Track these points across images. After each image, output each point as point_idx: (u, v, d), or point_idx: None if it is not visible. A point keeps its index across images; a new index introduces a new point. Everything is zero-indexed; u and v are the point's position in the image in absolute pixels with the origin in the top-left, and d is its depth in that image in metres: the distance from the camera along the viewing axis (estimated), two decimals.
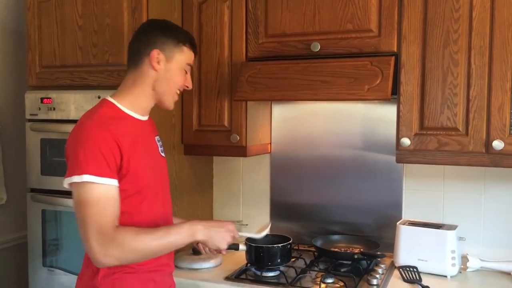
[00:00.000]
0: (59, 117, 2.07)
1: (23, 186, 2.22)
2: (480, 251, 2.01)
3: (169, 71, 1.49)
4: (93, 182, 1.30)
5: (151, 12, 1.94)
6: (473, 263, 1.94)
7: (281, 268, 1.92)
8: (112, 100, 1.48)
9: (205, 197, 2.41)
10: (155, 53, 1.46)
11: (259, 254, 1.89)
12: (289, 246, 1.93)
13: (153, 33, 1.50)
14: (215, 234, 1.48)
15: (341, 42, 1.86)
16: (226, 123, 2.07)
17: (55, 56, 2.09)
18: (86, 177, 1.30)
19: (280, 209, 2.32)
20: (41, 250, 2.17)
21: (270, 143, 2.34)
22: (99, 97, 1.97)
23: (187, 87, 1.57)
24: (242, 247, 1.73)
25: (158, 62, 1.47)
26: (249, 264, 1.96)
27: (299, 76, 1.86)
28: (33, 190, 2.16)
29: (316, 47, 1.89)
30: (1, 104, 2.36)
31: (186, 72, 1.55)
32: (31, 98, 2.13)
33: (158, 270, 1.51)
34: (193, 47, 1.56)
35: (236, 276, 1.88)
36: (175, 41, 1.50)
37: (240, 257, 2.12)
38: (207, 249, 1.63)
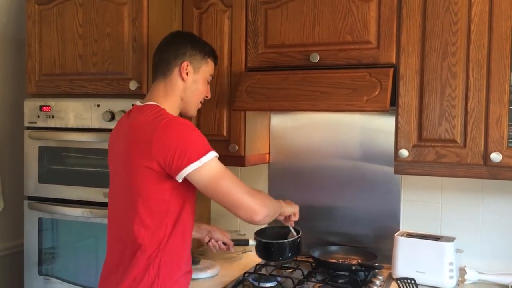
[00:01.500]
0: (57, 125, 2.08)
1: (20, 194, 2.21)
2: (478, 264, 2.00)
3: (195, 82, 1.60)
4: (217, 156, 1.45)
5: (152, 22, 1.96)
6: (471, 276, 1.93)
7: (279, 278, 1.91)
8: (161, 106, 1.53)
9: (203, 207, 2.40)
10: (185, 65, 1.57)
11: (270, 249, 1.89)
12: (299, 240, 1.92)
13: (183, 45, 1.59)
14: (289, 210, 1.80)
15: (340, 54, 1.87)
16: (225, 133, 2.07)
17: (55, 64, 2.10)
18: (212, 153, 1.43)
19: (276, 220, 2.31)
20: (37, 259, 2.16)
21: (269, 153, 2.34)
22: (98, 106, 1.98)
23: (207, 97, 1.69)
24: (252, 242, 1.89)
25: (187, 73, 1.57)
26: (258, 265, 1.99)
27: (298, 87, 1.87)
28: (30, 198, 2.16)
29: (315, 58, 1.89)
30: (0, 111, 2.36)
31: (208, 83, 1.67)
32: (30, 106, 2.13)
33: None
34: (216, 59, 1.70)
35: (233, 287, 1.87)
36: (202, 53, 1.61)
37: (237, 267, 2.12)
38: (217, 246, 1.86)
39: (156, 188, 1.45)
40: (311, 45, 1.91)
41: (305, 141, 2.28)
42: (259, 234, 1.96)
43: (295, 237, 1.90)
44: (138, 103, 1.58)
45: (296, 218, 1.87)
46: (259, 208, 1.46)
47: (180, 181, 1.43)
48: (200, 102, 1.67)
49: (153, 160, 1.41)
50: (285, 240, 1.88)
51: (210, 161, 1.42)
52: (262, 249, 1.92)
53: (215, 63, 1.69)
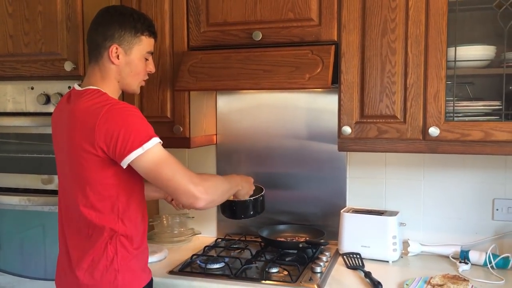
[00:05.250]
0: None
1: None
2: (420, 236, 2.07)
3: (129, 64, 1.53)
4: (160, 142, 1.42)
5: (86, 0, 1.87)
6: (414, 248, 1.99)
7: (226, 259, 1.90)
8: (102, 90, 1.48)
9: None
10: (114, 48, 1.49)
11: (233, 208, 1.89)
12: (261, 198, 1.93)
13: (111, 25, 1.50)
14: (246, 185, 1.78)
15: (283, 31, 1.85)
16: (168, 114, 2.02)
17: None
18: (155, 139, 1.41)
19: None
20: None
21: (216, 134, 2.31)
22: (32, 88, 1.89)
23: (150, 71, 1.62)
24: None
25: (118, 57, 1.50)
26: (206, 247, 1.95)
27: (240, 65, 1.84)
28: None
29: (258, 36, 1.87)
30: None
31: (147, 59, 1.58)
32: None
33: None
34: (152, 33, 1.59)
35: (180, 270, 1.85)
36: (132, 32, 1.52)
37: (185, 251, 2.10)
38: (180, 204, 1.85)
39: (102, 173, 1.43)
40: (253, 23, 1.88)
41: (252, 122, 2.26)
42: None
43: (257, 196, 1.90)
44: (76, 86, 1.53)
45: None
46: (200, 195, 1.43)
47: (124, 167, 1.41)
48: (143, 80, 1.62)
49: (96, 146, 1.39)
50: (248, 199, 1.88)
51: (153, 147, 1.39)
52: (225, 209, 1.92)
53: (154, 38, 1.60)
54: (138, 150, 1.37)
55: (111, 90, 1.52)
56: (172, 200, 1.90)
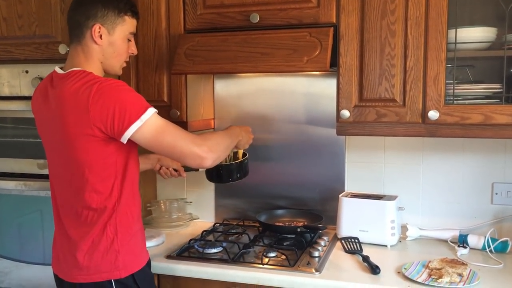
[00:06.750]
0: None
1: None
2: (419, 220, 2.06)
3: (112, 44, 1.51)
4: (156, 112, 1.42)
5: None
6: (412, 232, 1.99)
7: (224, 244, 1.89)
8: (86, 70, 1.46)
9: (148, 175, 2.34)
10: (97, 28, 1.46)
11: (219, 171, 1.90)
12: (246, 161, 1.94)
13: (94, 5, 1.47)
14: (245, 135, 1.78)
15: (280, 13, 1.82)
16: (165, 98, 2.00)
17: None
18: (151, 109, 1.41)
19: (224, 185, 2.28)
20: None
21: (214, 119, 2.29)
22: (26, 72, 1.86)
23: (132, 53, 1.60)
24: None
25: (100, 37, 1.47)
26: (204, 232, 1.93)
27: (238, 48, 1.81)
28: None
29: (255, 18, 1.84)
30: None
31: (130, 40, 1.56)
32: None
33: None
34: (135, 14, 1.56)
35: (178, 254, 1.84)
36: (115, 11, 1.49)
37: (183, 235, 2.09)
38: (168, 173, 1.92)
39: (101, 153, 1.43)
40: (250, 5, 1.85)
41: (250, 106, 2.24)
42: None
43: (242, 159, 1.92)
44: (57, 69, 1.50)
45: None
46: (205, 154, 1.46)
47: (125, 142, 1.42)
48: (125, 61, 1.59)
49: (93, 126, 1.37)
50: (233, 162, 1.90)
51: (151, 117, 1.40)
52: (212, 173, 1.93)
53: (136, 19, 1.57)
54: (137, 122, 1.37)
55: (95, 70, 1.49)
56: (160, 169, 1.93)
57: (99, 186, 1.45)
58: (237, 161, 1.90)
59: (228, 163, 1.89)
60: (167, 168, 1.94)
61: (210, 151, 1.47)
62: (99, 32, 1.47)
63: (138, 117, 1.37)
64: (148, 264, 1.60)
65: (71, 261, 1.49)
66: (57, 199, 1.55)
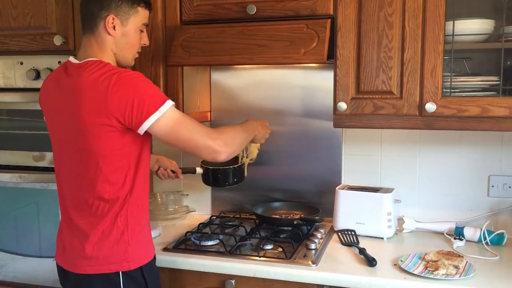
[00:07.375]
0: None
1: None
2: (415, 213, 2.06)
3: (125, 35, 1.51)
4: (173, 104, 1.43)
5: None
6: (409, 225, 1.99)
7: (221, 236, 1.89)
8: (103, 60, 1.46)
9: None
10: (110, 19, 1.47)
11: (216, 175, 1.93)
12: (242, 166, 1.98)
13: None
14: (262, 130, 1.79)
15: (278, 5, 1.81)
16: (161, 90, 1.98)
17: None
18: (169, 102, 1.41)
19: None
20: None
21: (210, 111, 2.28)
22: (21, 63, 1.85)
23: (145, 44, 1.61)
24: (199, 170, 1.95)
25: (114, 27, 1.48)
26: (200, 225, 1.93)
27: (235, 40, 1.80)
28: None
29: (252, 9, 1.82)
30: None
31: (142, 31, 1.57)
32: None
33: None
34: (148, 5, 1.57)
35: (174, 247, 1.84)
36: (129, 3, 1.49)
37: (180, 228, 2.09)
38: (166, 174, 1.92)
39: (116, 144, 1.43)
40: None
41: (246, 99, 2.23)
42: (205, 161, 1.96)
43: (239, 164, 1.93)
44: (72, 59, 1.49)
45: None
46: (220, 148, 1.47)
47: (142, 133, 1.42)
48: (137, 52, 1.60)
49: (111, 116, 1.37)
50: (230, 166, 1.91)
51: (169, 109, 1.41)
52: (208, 176, 1.95)
53: (149, 10, 1.58)
54: (156, 114, 1.38)
55: (110, 61, 1.49)
56: (158, 170, 1.93)
57: (112, 177, 1.44)
58: (235, 165, 1.92)
59: (225, 167, 1.90)
60: (165, 169, 1.94)
61: (225, 145, 1.48)
62: (112, 23, 1.47)
63: (156, 108, 1.38)
64: (155, 258, 1.60)
65: (79, 251, 1.48)
66: (64, 191, 1.54)
